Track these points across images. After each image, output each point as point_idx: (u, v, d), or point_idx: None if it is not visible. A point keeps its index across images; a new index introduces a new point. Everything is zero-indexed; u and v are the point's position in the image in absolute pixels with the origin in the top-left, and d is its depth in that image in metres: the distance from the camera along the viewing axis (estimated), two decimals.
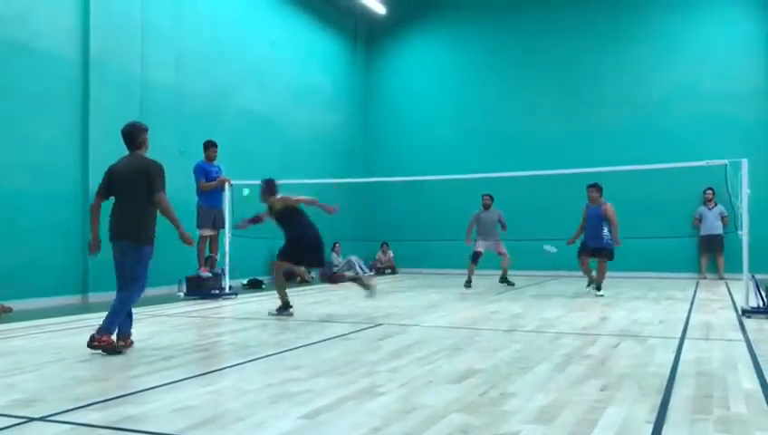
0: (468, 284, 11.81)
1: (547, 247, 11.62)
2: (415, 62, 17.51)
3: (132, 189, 5.53)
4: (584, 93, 15.55)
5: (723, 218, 13.71)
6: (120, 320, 5.45)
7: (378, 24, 17.62)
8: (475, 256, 11.95)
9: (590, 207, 10.35)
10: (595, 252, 10.35)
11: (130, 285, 5.52)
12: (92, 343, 5.24)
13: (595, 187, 10.30)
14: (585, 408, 3.65)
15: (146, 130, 5.81)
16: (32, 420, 3.48)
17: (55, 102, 9.32)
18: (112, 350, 5.31)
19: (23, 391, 4.12)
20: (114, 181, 5.61)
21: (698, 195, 14.12)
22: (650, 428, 3.28)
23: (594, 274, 10.61)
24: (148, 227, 5.60)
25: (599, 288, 10.27)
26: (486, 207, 12.11)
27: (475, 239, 12.07)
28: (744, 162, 7.89)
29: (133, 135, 5.70)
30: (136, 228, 5.52)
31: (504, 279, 12.19)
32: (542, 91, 15.87)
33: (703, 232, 14.02)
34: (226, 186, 10.34)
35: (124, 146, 5.76)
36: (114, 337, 5.40)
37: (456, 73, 16.92)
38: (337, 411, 3.61)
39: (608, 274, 10.48)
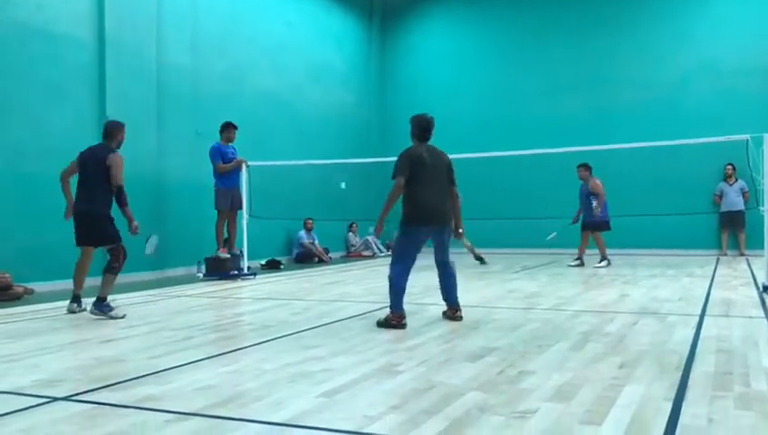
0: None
1: (550, 237, 12.16)
2: (431, 41, 17.35)
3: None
4: (602, 72, 15.29)
5: (744, 194, 13.52)
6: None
7: (393, 3, 17.44)
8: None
9: (582, 186, 11.50)
10: (586, 226, 11.57)
11: None
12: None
13: (583, 166, 11.29)
14: (603, 386, 3.64)
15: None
16: (55, 399, 3.54)
17: (71, 86, 9.36)
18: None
19: (46, 371, 4.19)
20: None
21: (718, 171, 13.91)
22: (669, 405, 3.27)
23: (579, 249, 11.64)
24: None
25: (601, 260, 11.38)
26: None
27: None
28: (766, 137, 7.75)
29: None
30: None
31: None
32: (559, 70, 15.64)
33: (723, 208, 13.83)
34: (243, 167, 10.35)
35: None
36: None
37: (473, 53, 16.73)
38: (355, 390, 3.63)
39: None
